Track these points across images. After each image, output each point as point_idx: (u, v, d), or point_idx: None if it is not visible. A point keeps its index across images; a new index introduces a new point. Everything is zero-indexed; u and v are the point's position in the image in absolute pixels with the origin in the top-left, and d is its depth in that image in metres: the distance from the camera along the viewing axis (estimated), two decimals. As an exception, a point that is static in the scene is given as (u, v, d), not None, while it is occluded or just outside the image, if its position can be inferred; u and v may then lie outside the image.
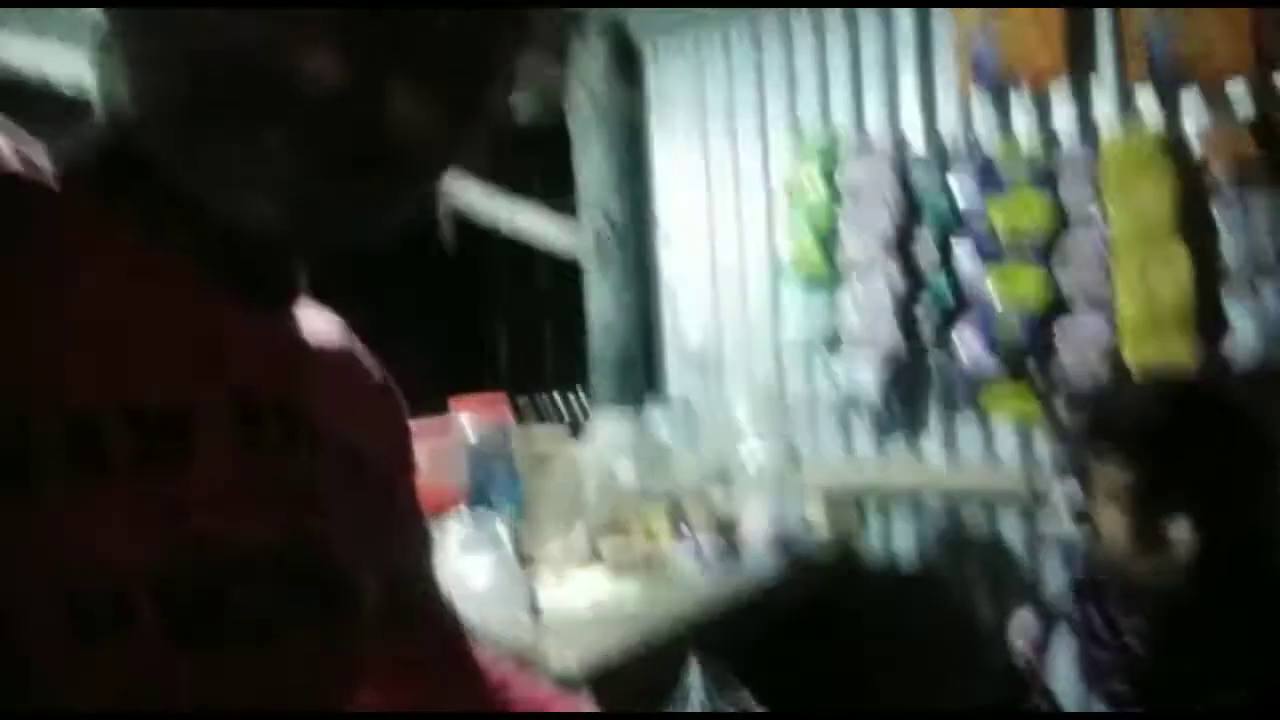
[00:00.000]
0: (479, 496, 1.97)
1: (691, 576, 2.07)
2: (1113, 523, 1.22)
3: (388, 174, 0.50)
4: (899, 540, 2.58)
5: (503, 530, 1.62)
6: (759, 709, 1.16)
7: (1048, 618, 1.41)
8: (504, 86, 0.54)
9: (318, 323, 0.64)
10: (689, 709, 1.16)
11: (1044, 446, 2.37)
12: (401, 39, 0.47)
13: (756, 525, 2.17)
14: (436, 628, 0.77)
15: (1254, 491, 1.21)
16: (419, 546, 0.78)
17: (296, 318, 0.60)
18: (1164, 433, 1.24)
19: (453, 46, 0.49)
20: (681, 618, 1.80)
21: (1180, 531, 1.17)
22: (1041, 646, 1.38)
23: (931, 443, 2.54)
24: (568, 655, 1.46)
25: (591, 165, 2.88)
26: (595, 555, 2.11)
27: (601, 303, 2.88)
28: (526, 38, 0.56)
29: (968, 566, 2.49)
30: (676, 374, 2.89)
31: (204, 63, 0.45)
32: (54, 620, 0.41)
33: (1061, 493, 2.23)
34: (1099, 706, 1.25)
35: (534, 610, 1.60)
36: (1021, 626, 1.45)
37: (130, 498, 0.45)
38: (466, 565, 1.53)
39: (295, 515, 0.55)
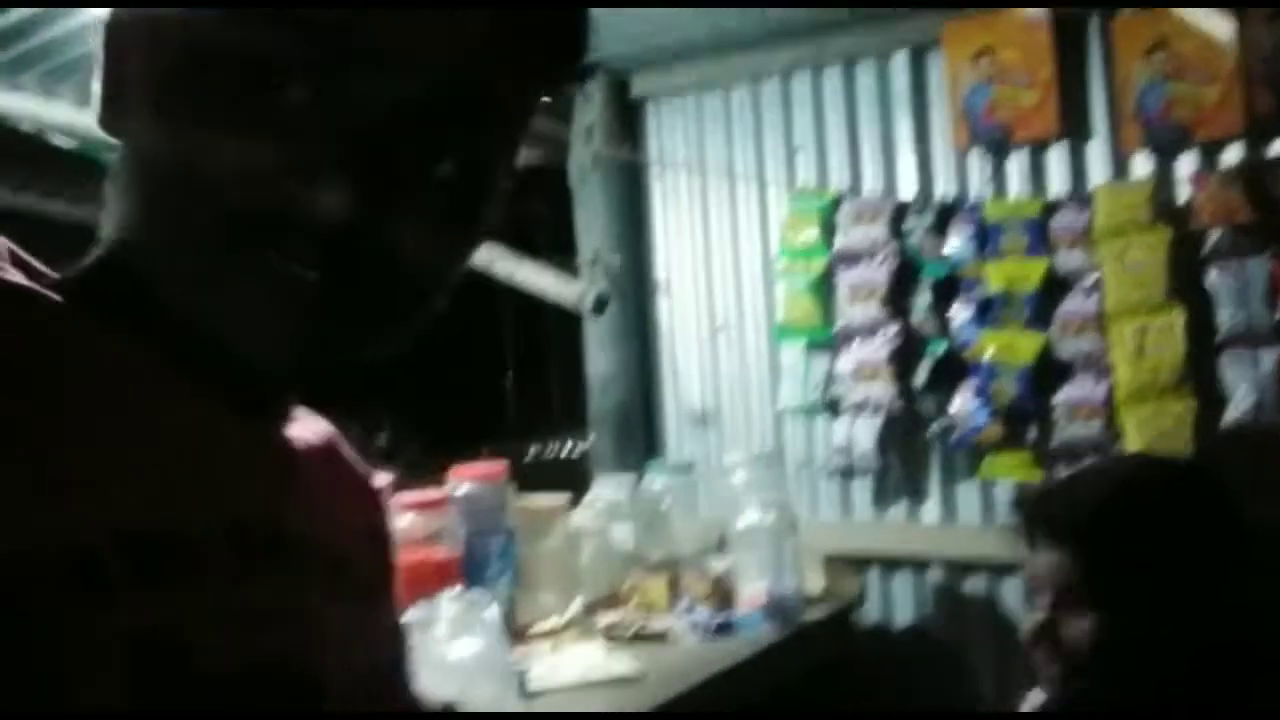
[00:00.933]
0: (474, 567, 1.96)
1: (689, 647, 2.04)
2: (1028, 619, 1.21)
3: (397, 297, 0.51)
4: (899, 607, 2.56)
5: (495, 613, 1.61)
6: None
7: (1058, 700, 1.39)
8: (507, 181, 0.55)
9: (308, 431, 0.63)
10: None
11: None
12: (408, 171, 0.48)
13: (755, 593, 2.15)
14: None
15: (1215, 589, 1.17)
16: (397, 649, 0.77)
17: (289, 427, 0.60)
18: (1102, 524, 1.18)
19: (461, 173, 0.50)
20: (678, 688, 1.79)
21: (1075, 626, 1.14)
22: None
23: (931, 508, 2.52)
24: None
25: (591, 218, 2.90)
26: (591, 628, 2.09)
27: (600, 358, 2.88)
28: (525, 141, 0.57)
29: (969, 634, 2.46)
30: (676, 433, 2.88)
31: (211, 195, 0.46)
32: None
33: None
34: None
35: (525, 694, 1.59)
36: (1032, 704, 1.43)
37: (127, 620, 0.45)
38: (457, 647, 1.52)
39: (282, 636, 0.54)
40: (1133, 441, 2.17)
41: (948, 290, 2.41)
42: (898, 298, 2.45)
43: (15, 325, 0.47)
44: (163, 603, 0.46)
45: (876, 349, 2.45)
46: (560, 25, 0.54)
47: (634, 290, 2.89)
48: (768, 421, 2.73)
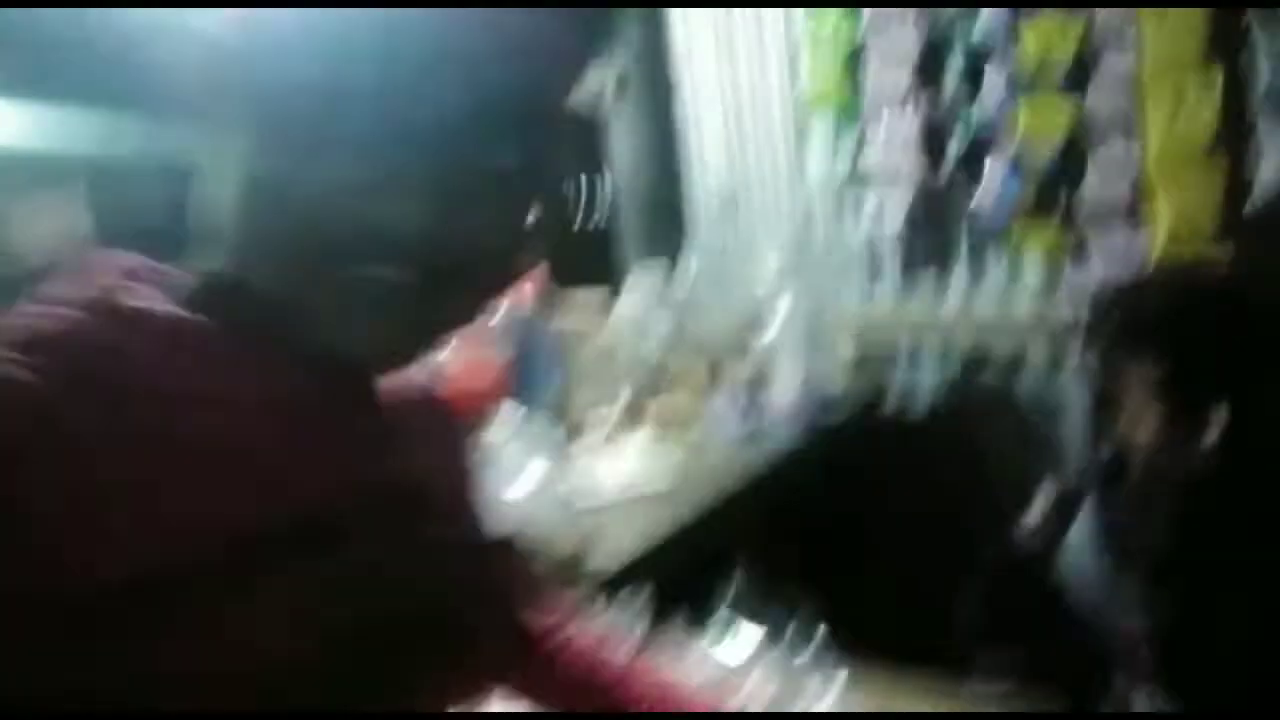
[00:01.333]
0: (525, 377, 2.06)
1: (729, 435, 2.17)
2: (1143, 417, 1.29)
3: (467, 290, 0.58)
4: (924, 382, 2.65)
5: (547, 432, 1.72)
6: (799, 614, 1.28)
7: (1071, 494, 1.50)
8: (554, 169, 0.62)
9: (404, 384, 0.71)
10: (740, 616, 1.28)
11: (1072, 279, 2.39)
12: (472, 185, 0.54)
13: (789, 381, 2.25)
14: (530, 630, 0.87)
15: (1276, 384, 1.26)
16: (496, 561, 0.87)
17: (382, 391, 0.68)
18: (1192, 329, 1.27)
19: (516, 170, 0.56)
20: (711, 495, 1.92)
21: (1206, 426, 1.23)
22: (1063, 523, 1.48)
23: (958, 277, 2.56)
24: (610, 559, 1.58)
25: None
26: (640, 417, 2.22)
27: (625, 144, 2.85)
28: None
29: (993, 415, 2.56)
30: (705, 219, 2.89)
31: (318, 223, 0.53)
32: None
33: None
34: (1120, 584, 1.36)
35: (574, 513, 1.71)
36: (1043, 500, 1.55)
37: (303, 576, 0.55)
38: (513, 470, 1.64)
39: (422, 574, 0.66)
40: (1164, 204, 2.18)
41: (981, 55, 2.34)
42: (930, 64, 2.38)
43: (167, 347, 0.54)
44: (331, 553, 0.57)
45: (907, 119, 2.42)
46: (581, 43, 0.59)
47: (656, 70, 2.81)
48: (795, 200, 2.73)
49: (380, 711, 0.61)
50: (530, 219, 0.60)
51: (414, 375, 0.75)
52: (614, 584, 1.47)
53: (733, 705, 1.10)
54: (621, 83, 2.73)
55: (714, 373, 2.38)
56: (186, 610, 0.50)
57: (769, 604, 1.28)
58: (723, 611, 1.30)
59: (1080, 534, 1.45)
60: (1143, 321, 1.32)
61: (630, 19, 2.77)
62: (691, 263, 2.61)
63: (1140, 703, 1.43)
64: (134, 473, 0.50)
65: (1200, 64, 2.09)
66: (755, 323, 2.47)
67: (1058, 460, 2.18)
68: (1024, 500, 1.62)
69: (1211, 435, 1.24)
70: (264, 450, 0.55)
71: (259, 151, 0.55)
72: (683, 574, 1.62)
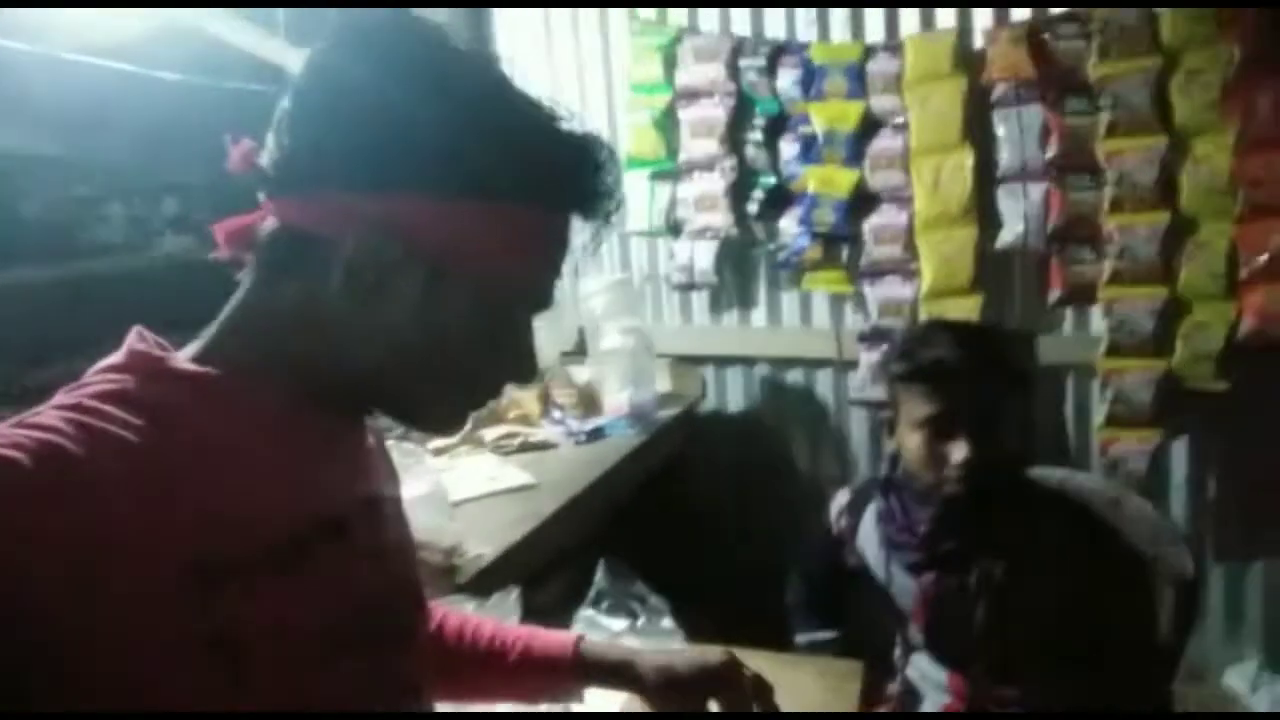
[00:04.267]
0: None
1: (567, 452, 2.39)
2: (911, 440, 1.60)
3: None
4: (732, 399, 3.00)
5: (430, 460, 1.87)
6: (659, 601, 1.50)
7: (860, 498, 1.82)
8: None
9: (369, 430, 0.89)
10: (604, 607, 1.49)
11: (852, 318, 2.79)
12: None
13: (618, 402, 2.50)
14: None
15: (1013, 420, 1.61)
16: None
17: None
18: (958, 374, 1.56)
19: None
20: (569, 491, 2.10)
21: (959, 448, 1.55)
22: (854, 521, 1.80)
23: (759, 314, 2.92)
24: (486, 549, 1.76)
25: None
26: (480, 442, 2.39)
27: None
28: None
29: (789, 418, 2.94)
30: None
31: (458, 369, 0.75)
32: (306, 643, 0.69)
33: (865, 363, 2.68)
34: (897, 570, 1.68)
35: (447, 510, 1.88)
36: (839, 503, 1.86)
37: (319, 572, 0.71)
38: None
39: (402, 560, 0.87)
40: (926, 261, 2.60)
41: (778, 127, 2.70)
42: (734, 134, 2.72)
43: (209, 401, 0.69)
44: (342, 555, 0.74)
45: (715, 181, 2.74)
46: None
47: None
48: (614, 242, 3.01)
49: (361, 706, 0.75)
50: None
51: None
52: (488, 575, 1.65)
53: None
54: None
55: (544, 398, 2.59)
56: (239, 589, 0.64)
57: (627, 589, 1.49)
58: (589, 599, 1.50)
59: (868, 529, 1.77)
60: (912, 367, 1.62)
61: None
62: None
63: (919, 665, 1.76)
64: (179, 496, 0.63)
65: (957, 146, 2.53)
66: (582, 350, 2.72)
67: (848, 466, 2.55)
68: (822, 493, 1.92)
69: (958, 458, 1.55)
70: (279, 468, 0.71)
71: None
72: (549, 566, 1.82)
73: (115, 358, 0.69)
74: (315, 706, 0.69)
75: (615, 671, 1.08)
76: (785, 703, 1.38)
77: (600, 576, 1.52)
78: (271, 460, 0.71)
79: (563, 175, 0.73)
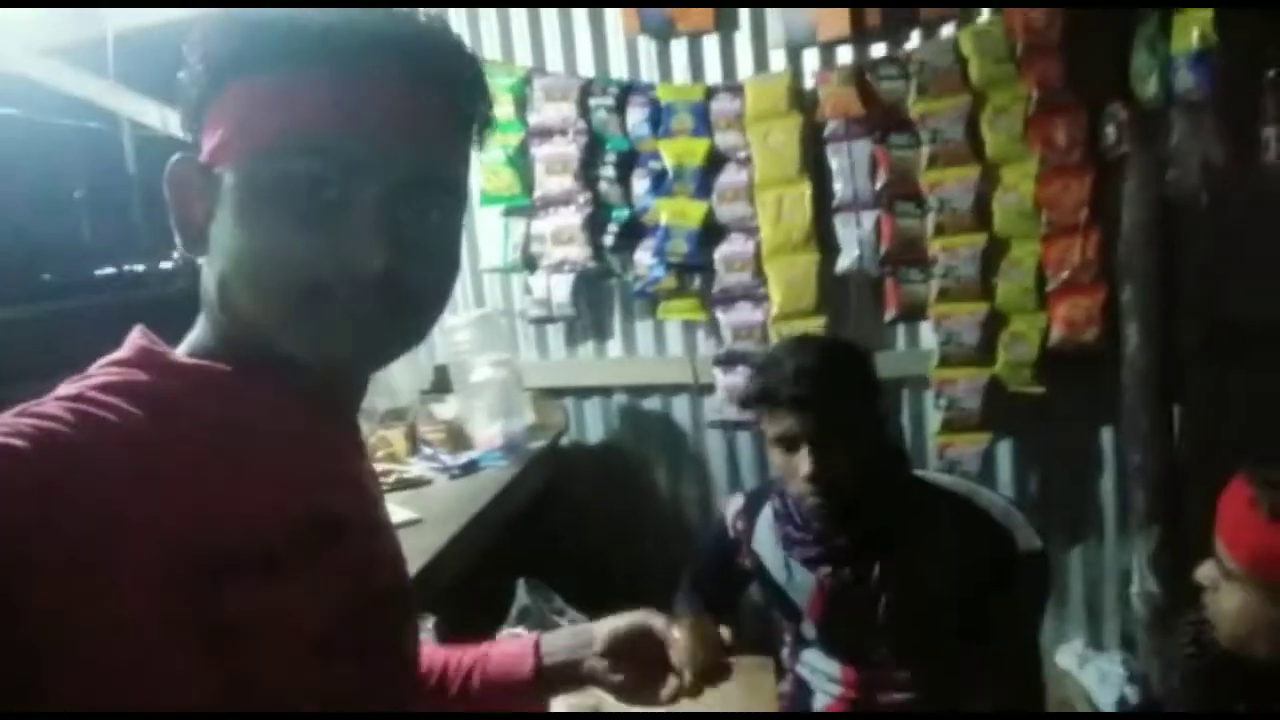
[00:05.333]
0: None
1: (443, 486, 2.38)
2: (773, 455, 1.71)
3: (413, 316, 0.74)
4: (592, 428, 3.07)
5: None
6: (576, 615, 1.53)
7: (753, 501, 1.91)
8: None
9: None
10: (530, 625, 1.51)
11: (705, 344, 2.92)
12: (407, 230, 0.70)
13: (490, 435, 2.51)
14: None
15: (877, 419, 1.74)
16: None
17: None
18: (799, 395, 1.62)
19: (440, 217, 0.74)
20: (453, 526, 2.09)
21: (804, 462, 1.64)
22: (750, 524, 1.89)
23: (615, 345, 3.01)
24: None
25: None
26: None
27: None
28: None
29: (648, 443, 3.03)
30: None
31: (290, 279, 0.68)
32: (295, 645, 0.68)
33: (721, 386, 2.80)
34: (796, 567, 1.78)
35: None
36: (734, 507, 1.94)
37: (317, 571, 0.71)
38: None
39: (394, 564, 0.86)
40: (774, 286, 2.76)
41: (629, 163, 2.81)
42: (588, 169, 2.81)
43: (208, 393, 0.70)
44: (332, 556, 0.73)
45: (571, 215, 2.81)
46: (472, 95, 0.76)
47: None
48: (467, 278, 3.03)
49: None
50: (456, 265, 0.78)
51: None
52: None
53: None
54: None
55: (411, 436, 2.57)
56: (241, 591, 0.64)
57: (548, 604, 1.53)
58: (512, 617, 1.52)
59: (764, 530, 1.86)
60: (760, 390, 1.68)
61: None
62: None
63: (809, 660, 1.86)
64: (180, 485, 0.63)
65: (796, 179, 2.71)
66: (443, 386, 2.72)
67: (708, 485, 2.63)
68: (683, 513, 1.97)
69: (804, 471, 1.63)
70: (277, 461, 0.72)
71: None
72: (450, 593, 1.81)
73: (119, 352, 0.70)
74: (310, 701, 0.69)
75: (574, 676, 1.10)
76: (708, 700, 1.45)
77: (521, 593, 1.54)
78: (268, 453, 0.71)
79: (298, 32, 0.68)
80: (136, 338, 0.72)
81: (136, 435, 0.62)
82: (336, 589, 0.73)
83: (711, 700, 1.19)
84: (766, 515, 1.87)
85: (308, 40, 0.67)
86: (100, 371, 0.68)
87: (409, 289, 0.70)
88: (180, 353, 0.74)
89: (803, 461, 1.63)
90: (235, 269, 0.69)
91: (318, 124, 0.67)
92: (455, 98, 0.73)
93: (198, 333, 0.76)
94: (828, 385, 1.65)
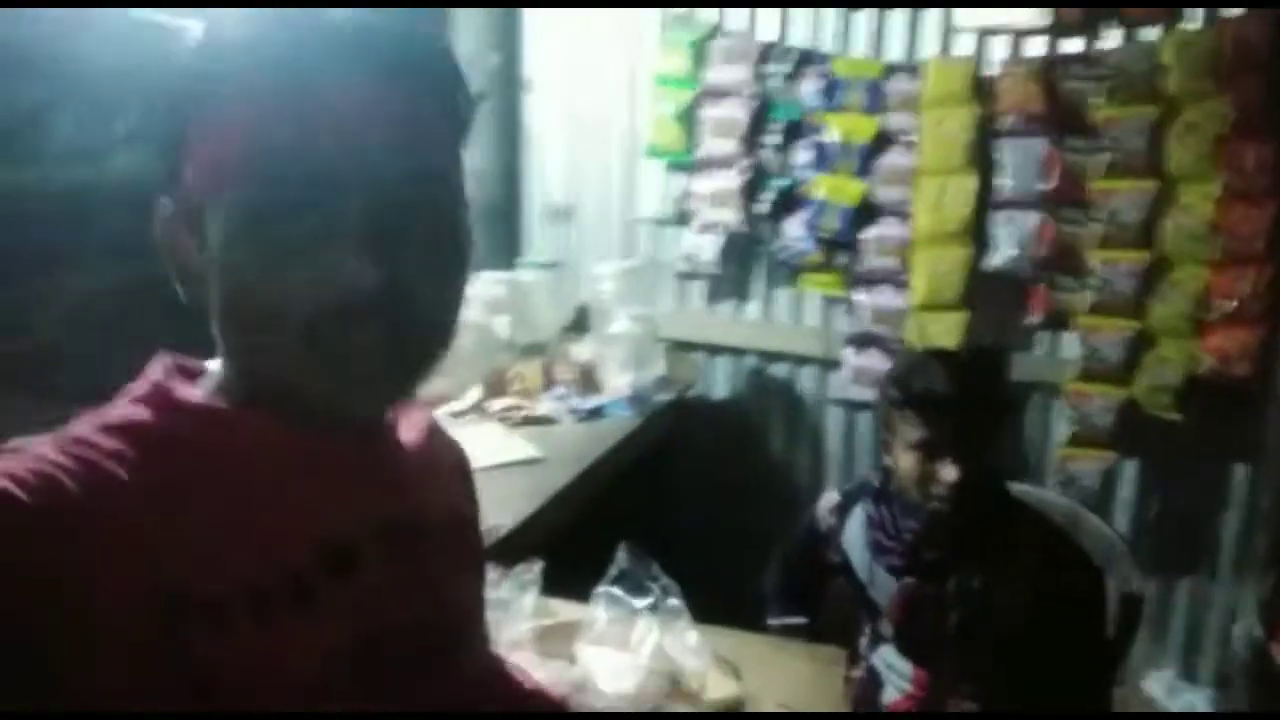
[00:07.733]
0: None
1: (569, 428, 2.50)
2: (904, 459, 1.75)
3: (423, 327, 0.69)
4: (719, 386, 3.14)
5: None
6: (670, 583, 1.63)
7: (848, 500, 1.96)
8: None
9: (411, 424, 0.84)
10: (626, 587, 1.62)
11: (842, 321, 2.93)
12: (400, 246, 0.65)
13: (619, 385, 2.62)
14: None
15: (997, 443, 1.76)
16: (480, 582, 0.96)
17: (395, 432, 0.80)
18: (948, 403, 1.67)
19: (436, 229, 0.68)
20: (574, 468, 2.19)
21: (949, 470, 1.70)
22: (841, 522, 1.94)
23: (754, 307, 3.05)
24: (503, 520, 1.87)
25: (466, 15, 3.00)
26: (485, 411, 2.49)
27: (469, 155, 3.07)
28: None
29: (772, 410, 3.09)
30: (540, 229, 3.20)
31: (288, 312, 0.64)
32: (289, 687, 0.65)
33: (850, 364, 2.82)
34: (879, 571, 1.84)
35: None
36: (828, 502, 2.00)
37: (320, 610, 0.67)
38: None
39: (433, 589, 0.79)
40: (919, 274, 2.74)
41: (794, 133, 2.81)
42: (753, 135, 2.83)
43: (212, 435, 0.68)
44: (340, 591, 0.69)
45: (730, 179, 2.85)
46: (445, 86, 0.72)
47: (504, 89, 3.08)
48: (622, 224, 3.12)
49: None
50: (463, 282, 0.73)
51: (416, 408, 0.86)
52: (506, 546, 1.76)
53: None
54: (478, 98, 2.96)
55: (547, 372, 2.70)
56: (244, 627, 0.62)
57: (645, 571, 1.62)
58: (610, 578, 1.62)
59: (854, 530, 1.92)
60: (906, 395, 1.72)
61: (486, 39, 3.02)
62: (528, 272, 2.92)
63: (886, 655, 1.93)
64: (194, 523, 0.62)
65: (962, 169, 2.66)
66: (582, 326, 2.83)
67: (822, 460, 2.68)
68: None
69: (948, 479, 1.69)
70: (290, 501, 0.68)
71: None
72: (560, 541, 1.93)
73: (136, 385, 0.70)
74: None
75: None
76: (781, 681, 1.53)
77: (621, 557, 1.64)
78: (268, 495, 0.68)
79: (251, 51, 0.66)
80: (155, 369, 0.71)
81: (133, 485, 0.61)
82: (335, 631, 0.68)
83: (782, 682, 1.26)
84: (858, 516, 1.91)
85: (261, 62, 0.65)
86: (114, 408, 0.67)
87: (412, 300, 0.66)
88: (197, 386, 0.71)
89: (947, 469, 1.67)
90: (228, 311, 0.67)
91: (281, 146, 0.63)
92: (427, 90, 0.70)
93: (218, 363, 0.73)
94: (981, 396, 1.69)
